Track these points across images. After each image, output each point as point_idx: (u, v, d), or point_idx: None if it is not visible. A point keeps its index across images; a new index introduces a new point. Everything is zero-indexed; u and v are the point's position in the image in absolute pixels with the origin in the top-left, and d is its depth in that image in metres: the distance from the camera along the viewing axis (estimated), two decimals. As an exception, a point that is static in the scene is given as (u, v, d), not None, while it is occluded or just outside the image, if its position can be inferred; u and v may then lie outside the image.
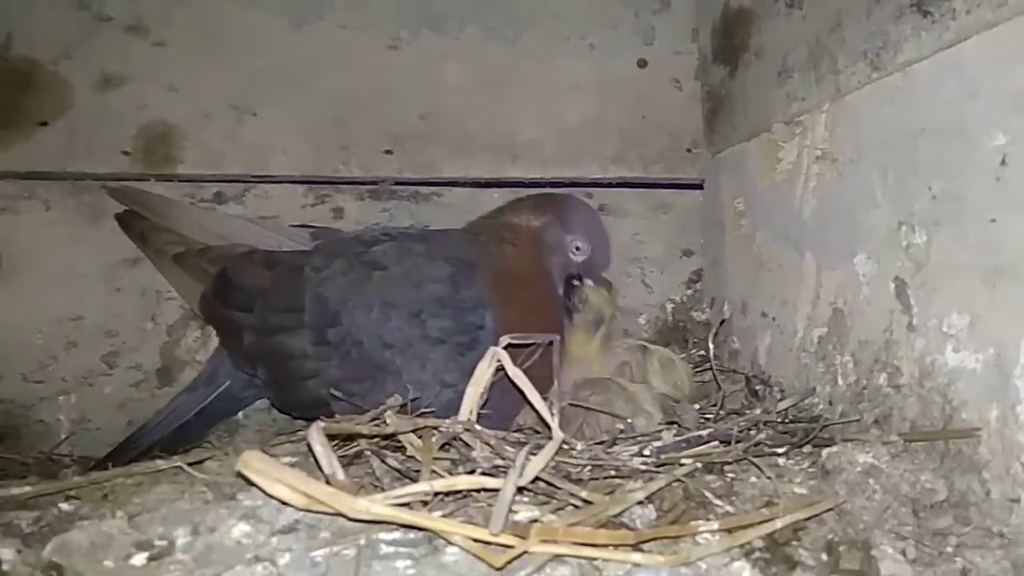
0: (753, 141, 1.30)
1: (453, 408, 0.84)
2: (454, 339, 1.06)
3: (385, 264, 1.11)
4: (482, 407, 0.83)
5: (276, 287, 1.15)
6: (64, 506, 0.76)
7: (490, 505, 0.65)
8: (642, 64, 1.56)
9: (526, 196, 1.29)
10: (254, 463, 0.63)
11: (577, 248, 1.20)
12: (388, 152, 1.48)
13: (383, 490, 0.73)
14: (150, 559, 0.64)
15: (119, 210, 1.36)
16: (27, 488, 0.81)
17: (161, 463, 0.88)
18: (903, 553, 0.66)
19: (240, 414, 1.35)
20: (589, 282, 1.19)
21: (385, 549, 0.64)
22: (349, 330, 1.07)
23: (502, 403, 0.91)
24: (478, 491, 0.72)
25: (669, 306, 1.55)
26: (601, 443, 0.88)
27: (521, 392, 0.81)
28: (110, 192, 1.36)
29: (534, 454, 0.72)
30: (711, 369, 1.21)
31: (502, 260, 1.16)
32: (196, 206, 1.41)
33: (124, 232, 1.35)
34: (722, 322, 1.37)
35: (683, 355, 1.35)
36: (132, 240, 1.34)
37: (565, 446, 0.82)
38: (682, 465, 0.81)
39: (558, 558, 0.62)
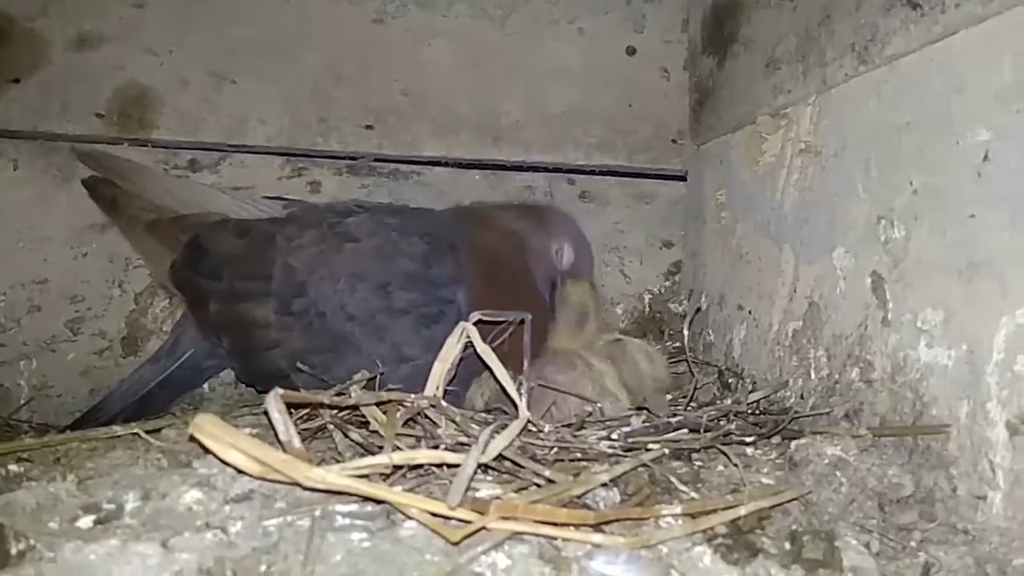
0: (738, 133, 1.29)
1: (413, 382, 0.82)
2: (419, 311, 1.04)
3: (357, 236, 1.09)
4: (449, 383, 0.82)
5: (247, 255, 1.12)
6: (13, 467, 0.74)
7: (452, 482, 0.63)
8: (631, 51, 1.54)
9: (509, 204, 1.31)
10: (208, 427, 0.61)
11: (560, 255, 1.21)
12: (369, 127, 1.46)
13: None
14: (96, 522, 0.62)
15: (89, 173, 1.32)
16: (-24, 448, 0.78)
17: (118, 429, 0.86)
18: (867, 546, 0.66)
19: (205, 387, 1.33)
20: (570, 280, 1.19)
21: (341, 521, 0.62)
22: (314, 301, 1.06)
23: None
24: (440, 467, 0.71)
25: (647, 297, 1.54)
26: (568, 426, 0.87)
27: (490, 369, 0.79)
28: (79, 155, 1.32)
29: (499, 432, 0.71)
30: (686, 360, 1.20)
31: (488, 250, 1.15)
32: (167, 174, 1.38)
33: (92, 198, 1.31)
34: (697, 310, 1.36)
35: (658, 346, 1.33)
36: (100, 206, 1.31)
37: (532, 428, 0.81)
38: (649, 450, 0.80)
39: (517, 536, 0.60)
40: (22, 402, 1.32)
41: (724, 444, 0.84)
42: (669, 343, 1.43)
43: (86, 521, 0.62)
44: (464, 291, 1.07)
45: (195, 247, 1.16)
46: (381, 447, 0.75)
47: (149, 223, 1.24)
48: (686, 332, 1.11)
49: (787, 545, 0.65)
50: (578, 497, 0.68)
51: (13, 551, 0.55)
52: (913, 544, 0.68)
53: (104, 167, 1.31)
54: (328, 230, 1.10)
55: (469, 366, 0.89)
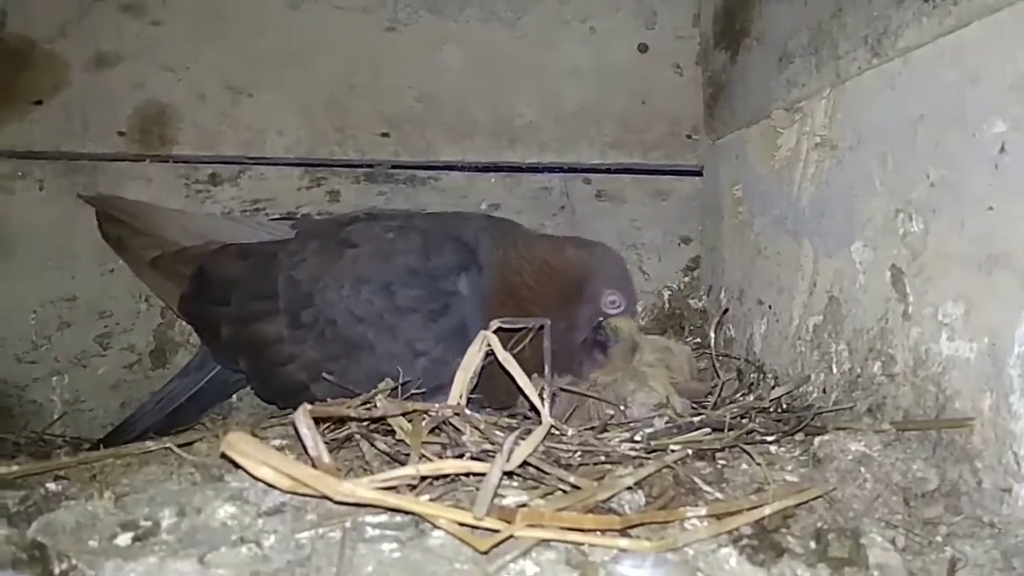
0: (753, 127, 1.29)
1: (431, 377, 0.83)
2: (425, 307, 1.05)
3: (356, 242, 1.11)
4: (472, 391, 0.83)
5: (251, 276, 1.15)
6: (52, 486, 0.76)
7: (478, 489, 0.64)
8: (643, 49, 1.54)
9: (562, 239, 1.27)
10: (239, 445, 0.63)
11: (613, 302, 1.16)
12: (385, 135, 1.47)
13: (372, 473, 0.72)
14: (135, 539, 0.63)
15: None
16: (15, 467, 0.80)
17: (151, 444, 0.88)
18: (892, 542, 0.66)
19: (233, 397, 1.35)
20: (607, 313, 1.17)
21: (371, 532, 0.64)
22: (322, 309, 1.07)
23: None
24: (466, 475, 0.72)
25: (666, 293, 1.55)
26: (591, 429, 0.87)
27: (511, 377, 0.80)
28: (88, 200, 1.35)
29: (523, 439, 0.71)
30: (710, 357, 1.20)
31: (519, 297, 1.12)
32: (174, 210, 1.40)
33: (103, 238, 1.34)
34: (724, 311, 1.36)
35: (680, 342, 1.33)
36: (110, 245, 1.34)
37: (555, 431, 0.82)
38: (672, 452, 0.80)
39: (544, 543, 0.61)
40: (55, 417, 1.36)
41: (747, 443, 0.84)
42: (690, 339, 1.43)
43: (124, 539, 0.63)
44: (467, 278, 1.08)
45: (200, 277, 1.19)
46: (407, 455, 0.76)
47: (153, 260, 1.27)
48: (712, 334, 1.11)
49: (812, 544, 0.65)
50: (603, 502, 0.68)
51: (56, 571, 0.57)
52: (939, 539, 0.68)
53: (111, 207, 1.34)
54: (329, 239, 1.12)
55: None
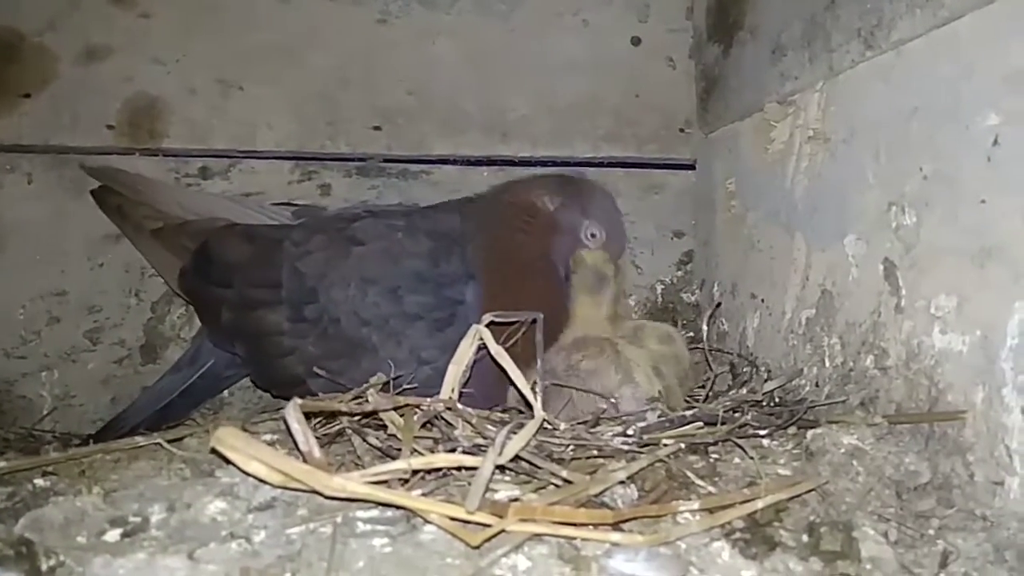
0: (746, 121, 1.28)
1: (432, 385, 0.83)
2: (432, 315, 1.05)
3: (364, 240, 1.09)
4: (464, 386, 0.82)
5: (255, 261, 1.13)
6: (40, 482, 0.75)
7: (470, 484, 0.64)
8: (636, 42, 1.54)
9: (542, 176, 1.26)
10: (229, 440, 0.62)
11: (592, 235, 1.15)
12: (377, 128, 1.46)
13: (363, 468, 0.72)
14: (123, 535, 0.63)
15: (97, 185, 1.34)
16: (3, 463, 0.80)
17: (140, 439, 0.87)
18: (885, 535, 0.66)
19: (225, 392, 1.34)
20: (587, 247, 1.15)
21: (362, 527, 0.63)
22: (326, 307, 1.06)
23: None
24: (458, 470, 0.71)
25: (659, 287, 1.54)
26: (584, 423, 0.87)
27: (503, 371, 0.80)
28: (89, 171, 1.34)
29: (515, 433, 0.71)
30: (703, 351, 1.20)
31: (502, 242, 1.12)
32: (175, 185, 1.39)
33: (100, 208, 1.32)
34: (718, 305, 1.36)
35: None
36: (108, 216, 1.32)
37: (548, 426, 0.82)
38: (665, 446, 0.80)
39: (536, 537, 0.61)
40: (45, 412, 1.35)
41: (740, 436, 0.84)
42: (683, 333, 1.43)
43: (113, 535, 0.63)
44: (473, 287, 1.07)
45: (204, 254, 1.17)
46: (399, 450, 0.76)
47: (155, 230, 1.26)
48: (705, 328, 1.11)
49: (805, 537, 0.65)
50: (596, 496, 0.68)
51: (44, 568, 0.56)
52: (931, 532, 0.68)
53: (114, 180, 1.32)
54: (335, 234, 1.11)
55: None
